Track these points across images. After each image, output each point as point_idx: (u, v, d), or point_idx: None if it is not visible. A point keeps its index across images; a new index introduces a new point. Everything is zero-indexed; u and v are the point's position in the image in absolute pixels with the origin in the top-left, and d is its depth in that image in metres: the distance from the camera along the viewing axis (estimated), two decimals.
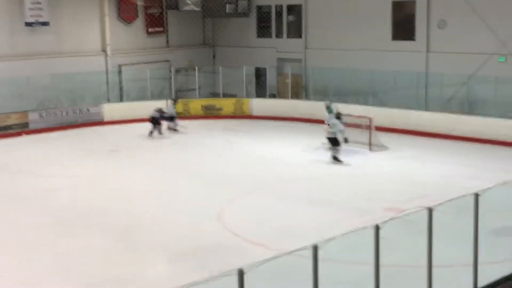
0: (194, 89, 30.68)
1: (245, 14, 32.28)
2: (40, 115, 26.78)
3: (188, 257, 12.88)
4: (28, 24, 27.65)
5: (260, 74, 31.13)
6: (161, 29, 32.18)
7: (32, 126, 26.46)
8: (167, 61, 31.89)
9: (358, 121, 22.48)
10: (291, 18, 31.19)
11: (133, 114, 28.37)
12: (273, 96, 30.44)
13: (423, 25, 26.09)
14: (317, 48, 29.75)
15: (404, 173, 19.37)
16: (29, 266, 12.50)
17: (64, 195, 17.44)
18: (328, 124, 21.03)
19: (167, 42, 32.60)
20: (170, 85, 30.52)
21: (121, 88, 30.15)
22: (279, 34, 31.58)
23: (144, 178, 19.16)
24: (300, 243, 7.96)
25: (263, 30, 32.11)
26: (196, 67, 30.63)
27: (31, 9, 27.58)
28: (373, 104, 25.68)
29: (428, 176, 18.86)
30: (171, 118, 26.22)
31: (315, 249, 7.69)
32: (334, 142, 20.73)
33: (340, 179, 18.94)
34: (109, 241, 13.85)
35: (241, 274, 7.05)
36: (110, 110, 28.49)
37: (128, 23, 31.04)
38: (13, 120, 26.09)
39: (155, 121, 25.42)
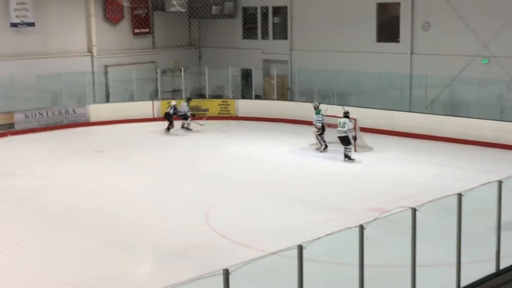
0: (180, 90, 30.70)
1: (231, 15, 32.35)
2: (26, 116, 26.70)
3: (174, 258, 12.93)
4: (14, 25, 27.56)
5: (246, 75, 31.20)
6: (147, 30, 32.17)
7: (17, 127, 26.37)
8: (153, 62, 31.89)
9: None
10: (276, 19, 31.29)
11: (119, 115, 28.39)
12: (258, 97, 30.53)
13: (407, 27, 26.29)
14: (303, 50, 29.88)
15: (388, 174, 19.52)
16: (16, 267, 12.48)
17: (51, 195, 17.40)
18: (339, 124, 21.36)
19: (153, 43, 32.60)
20: (156, 86, 30.52)
21: (107, 89, 30.11)
22: (265, 36, 31.67)
23: (130, 179, 19.15)
24: (285, 244, 8.04)
25: (249, 31, 32.19)
26: (182, 68, 30.66)
27: (16, 9, 27.49)
28: (358, 105, 25.82)
29: (412, 177, 19.02)
30: (184, 117, 26.54)
31: (300, 249, 7.77)
32: (346, 141, 21.05)
33: (325, 179, 19.06)
34: (95, 241, 13.86)
35: (226, 274, 7.12)
36: (96, 111, 28.44)
37: (114, 24, 31.01)
38: None
39: (169, 117, 26.03)
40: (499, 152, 21.82)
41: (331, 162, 21.10)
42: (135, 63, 30.98)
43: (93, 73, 29.85)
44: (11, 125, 26.29)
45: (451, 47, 25.09)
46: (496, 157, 21.15)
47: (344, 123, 21.10)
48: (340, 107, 23.82)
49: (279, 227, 14.62)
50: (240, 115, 29.13)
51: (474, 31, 24.49)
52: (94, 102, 29.18)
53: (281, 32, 31.02)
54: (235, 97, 29.95)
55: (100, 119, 28.16)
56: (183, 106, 26.76)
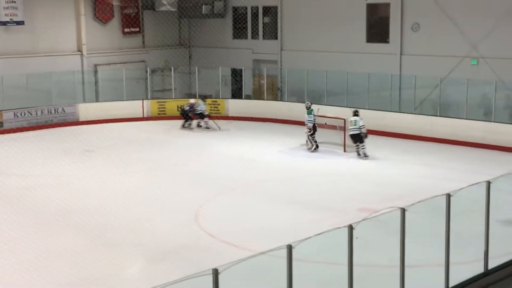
0: (170, 90, 30.67)
1: (221, 15, 32.34)
2: (15, 115, 26.60)
3: (164, 257, 12.93)
4: (3, 23, 27.47)
5: (236, 75, 31.20)
6: (137, 29, 32.12)
7: (6, 126, 26.26)
8: (143, 61, 31.84)
9: (332, 122, 22.69)
10: (267, 19, 31.30)
11: (108, 114, 28.33)
12: (248, 97, 30.54)
13: (397, 28, 26.38)
14: (293, 50, 29.92)
15: (377, 174, 19.58)
16: (5, 266, 12.44)
17: (40, 195, 17.35)
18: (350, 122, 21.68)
19: (143, 42, 32.55)
20: (146, 85, 30.47)
21: (96, 88, 30.04)
22: (255, 36, 31.68)
23: (120, 178, 19.11)
24: (275, 243, 8.06)
25: (239, 31, 32.20)
26: (172, 68, 30.63)
27: (6, 8, 27.40)
28: (348, 106, 25.87)
29: (401, 177, 19.09)
30: (200, 116, 26.74)
31: (289, 249, 7.79)
32: (359, 138, 21.38)
33: (315, 179, 19.09)
34: (85, 240, 13.83)
35: (216, 274, 7.13)
36: (86, 110, 28.37)
37: (104, 23, 30.95)
38: None
39: (185, 114, 26.60)
40: (487, 153, 21.92)
41: (321, 162, 21.15)
42: (125, 62, 30.93)
43: (82, 72, 29.78)
44: (0, 124, 26.19)
45: (440, 48, 25.20)
46: (484, 158, 21.25)
47: (356, 121, 21.46)
48: (332, 107, 23.91)
49: (268, 227, 14.63)
50: (230, 114, 29.12)
51: (463, 32, 24.60)
52: (84, 101, 29.10)
53: (271, 32, 31.04)
54: (225, 97, 29.94)
55: (90, 118, 28.09)
56: (200, 105, 26.94)
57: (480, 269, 10.46)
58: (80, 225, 14.78)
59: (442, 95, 24.74)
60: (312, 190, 17.87)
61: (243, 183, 18.61)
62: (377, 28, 27.52)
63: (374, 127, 24.33)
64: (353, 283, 8.61)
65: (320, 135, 22.47)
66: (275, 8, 30.57)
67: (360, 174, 19.63)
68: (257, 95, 30.51)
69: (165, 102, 29.55)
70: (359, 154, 21.45)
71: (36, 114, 27.17)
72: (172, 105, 29.39)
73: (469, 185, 10.41)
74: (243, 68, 30.69)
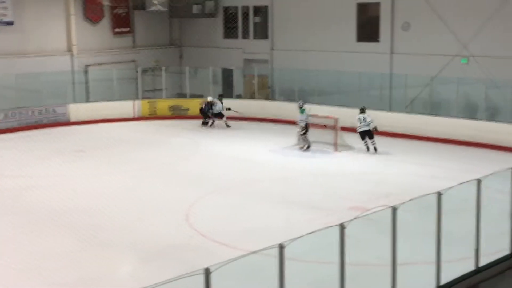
0: (160, 90, 30.63)
1: (212, 15, 32.31)
2: (5, 115, 26.48)
3: (156, 257, 12.91)
4: None
5: (226, 74, 31.19)
6: (127, 29, 32.06)
7: None
8: (134, 61, 31.78)
9: (323, 121, 22.71)
10: (257, 19, 31.31)
11: (99, 114, 28.27)
12: (239, 96, 30.53)
13: (387, 27, 26.45)
14: (283, 49, 29.94)
15: (369, 173, 19.63)
16: None
17: (31, 195, 17.29)
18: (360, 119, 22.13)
19: (134, 42, 32.50)
20: (137, 85, 30.41)
21: (87, 88, 29.96)
22: (245, 35, 31.68)
23: (111, 179, 19.09)
24: (267, 243, 8.06)
25: (229, 31, 32.19)
26: (163, 68, 30.58)
27: None
28: (339, 105, 25.92)
29: (392, 176, 19.14)
30: (220, 115, 26.98)
31: (281, 248, 7.80)
32: (369, 134, 21.86)
33: (306, 179, 19.11)
34: (76, 241, 13.79)
35: (207, 273, 7.13)
36: (76, 110, 28.29)
37: (94, 23, 30.87)
38: None
39: (203, 112, 26.93)
40: (478, 151, 22.01)
41: (313, 162, 21.18)
42: (116, 62, 30.86)
43: (73, 72, 29.68)
44: None
45: (431, 47, 25.28)
46: (475, 156, 21.33)
47: (364, 118, 21.91)
48: (323, 106, 23.95)
49: (260, 226, 14.64)
50: None
51: (453, 31, 24.69)
52: (74, 101, 29.02)
53: (262, 31, 31.05)
54: (215, 97, 29.85)
55: (81, 119, 28.02)
56: (218, 105, 27.04)
57: (471, 267, 10.51)
58: (71, 226, 14.74)
59: (432, 94, 24.82)
60: (303, 190, 17.89)
61: (234, 182, 18.61)
62: (368, 27, 27.58)
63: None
64: (344, 282, 8.62)
65: (312, 134, 22.50)
66: (266, 8, 30.58)
67: (351, 173, 19.66)
68: (248, 94, 30.51)
69: (156, 102, 29.51)
70: (368, 150, 21.91)
71: (27, 115, 27.07)
72: (163, 105, 29.36)
73: (460, 184, 10.46)
74: (233, 68, 30.66)
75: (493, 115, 23.15)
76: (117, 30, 31.65)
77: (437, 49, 25.11)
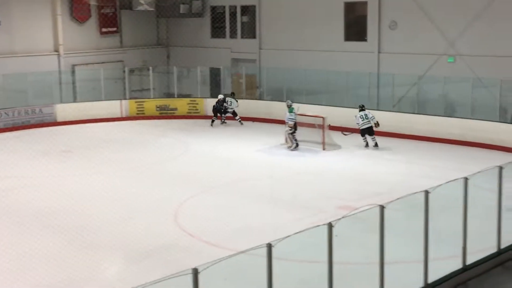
0: (148, 89, 30.55)
1: (199, 14, 32.28)
2: None
3: (143, 258, 12.87)
4: None
5: (214, 74, 31.16)
6: (114, 29, 31.95)
7: None
8: (121, 61, 31.68)
9: (311, 120, 22.74)
10: (245, 18, 31.30)
11: (86, 114, 28.14)
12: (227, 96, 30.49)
13: (375, 26, 26.51)
14: (271, 49, 29.95)
15: (357, 172, 19.67)
16: None
17: (17, 196, 17.20)
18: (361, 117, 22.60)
19: (121, 42, 32.40)
20: (124, 85, 30.32)
21: (74, 88, 29.84)
22: (233, 35, 31.66)
23: (98, 179, 19.00)
24: (255, 242, 8.06)
25: (217, 30, 32.16)
26: (150, 67, 30.52)
27: None
28: (326, 104, 25.98)
29: (380, 174, 19.19)
30: (234, 113, 27.18)
31: (269, 248, 7.80)
32: (371, 131, 22.37)
33: (294, 178, 19.12)
34: (63, 242, 13.73)
35: (195, 273, 7.12)
36: (63, 110, 28.16)
37: (81, 22, 30.75)
38: None
39: (214, 110, 27.09)
40: (465, 150, 22.12)
41: (301, 161, 21.19)
42: (103, 62, 30.75)
43: (59, 73, 29.54)
44: None
45: (418, 46, 25.37)
46: (462, 155, 21.42)
47: (366, 115, 22.38)
48: (311, 105, 24.00)
49: (248, 226, 14.64)
50: (209, 114, 29.04)
51: (440, 30, 24.79)
52: (61, 101, 28.88)
53: (250, 31, 31.04)
54: (203, 96, 29.88)
55: (68, 119, 27.89)
56: (233, 103, 27.29)
57: (458, 265, 10.56)
58: (58, 226, 14.66)
59: (419, 93, 24.92)
60: (291, 189, 17.89)
61: (222, 182, 18.59)
62: (355, 27, 27.64)
63: (353, 125, 24.44)
64: (333, 280, 8.63)
65: (299, 133, 22.52)
66: (253, 7, 30.57)
67: (339, 172, 19.70)
68: (236, 94, 30.49)
69: (143, 102, 29.44)
70: (367, 145, 22.42)
71: (13, 115, 26.91)
72: (150, 105, 29.28)
73: (447, 182, 10.49)
74: (221, 67, 30.64)
75: (475, 113, 23.25)
76: (104, 30, 31.55)
77: (424, 48, 25.21)
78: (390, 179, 18.46)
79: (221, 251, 12.28)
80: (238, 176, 19.27)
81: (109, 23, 31.65)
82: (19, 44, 28.66)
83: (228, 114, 27.30)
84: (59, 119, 27.92)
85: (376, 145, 22.43)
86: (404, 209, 11.14)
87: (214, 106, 27.35)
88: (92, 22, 31.18)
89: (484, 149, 21.90)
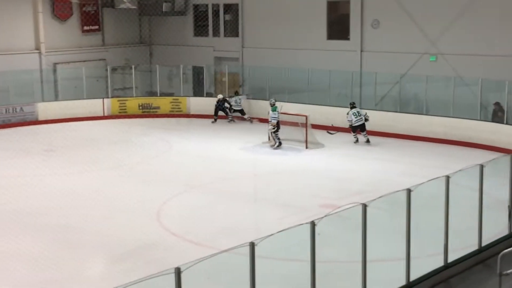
0: (131, 88, 30.43)
1: (182, 12, 32.18)
2: None
3: (126, 257, 12.83)
4: None
5: (197, 72, 31.10)
6: (96, 27, 31.76)
7: None
8: (103, 59, 31.51)
9: (294, 119, 22.78)
10: (228, 17, 31.26)
11: (68, 113, 27.97)
12: (210, 94, 30.47)
13: (357, 25, 26.58)
14: (254, 47, 29.93)
15: (339, 170, 19.72)
16: None
17: None
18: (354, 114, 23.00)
19: (103, 40, 32.19)
20: (107, 83, 30.18)
21: (56, 87, 29.64)
22: (216, 33, 31.60)
23: (80, 178, 18.93)
24: (238, 241, 8.06)
25: (200, 29, 32.09)
26: (133, 66, 30.38)
27: None
28: (309, 102, 26.03)
29: (363, 173, 19.26)
30: (242, 112, 27.33)
31: (252, 246, 7.80)
32: (363, 127, 22.83)
33: (277, 176, 19.14)
34: (45, 242, 13.64)
35: (178, 272, 7.10)
36: (45, 109, 27.97)
37: (63, 20, 30.53)
38: None
39: (221, 109, 27.33)
40: (447, 148, 22.25)
41: (284, 159, 21.22)
42: (85, 61, 30.55)
43: (41, 71, 29.32)
44: None
45: (400, 45, 25.47)
46: (444, 153, 21.55)
47: (358, 112, 22.82)
48: (294, 104, 24.03)
49: (231, 224, 14.63)
50: (191, 112, 29.02)
51: (422, 29, 24.91)
52: (43, 100, 28.69)
53: (233, 29, 31.01)
54: (186, 95, 29.81)
55: (49, 118, 27.70)
56: (242, 100, 27.50)
57: (440, 263, 10.61)
58: (40, 226, 14.58)
59: (402, 91, 25.03)
60: (274, 187, 17.91)
61: (205, 181, 18.56)
62: (338, 25, 27.70)
63: (336, 124, 24.53)
64: (315, 279, 8.65)
65: (282, 132, 22.54)
66: (236, 5, 30.54)
67: (322, 171, 19.74)
68: (218, 92, 30.45)
69: (126, 100, 29.31)
70: (357, 141, 22.83)
71: None
72: (133, 104, 29.16)
73: (429, 180, 10.54)
74: (204, 66, 30.59)
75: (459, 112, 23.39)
76: (86, 28, 31.35)
77: (406, 47, 25.31)
78: (372, 178, 18.53)
79: (204, 250, 12.27)
80: (221, 175, 19.25)
81: (91, 21, 31.46)
82: None
83: (236, 113, 27.48)
84: (41, 118, 27.73)
85: (368, 141, 22.73)
86: (387, 207, 11.18)
87: (215, 105, 27.43)
88: (74, 20, 30.97)
89: (466, 147, 22.06)
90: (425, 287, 10.17)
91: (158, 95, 30.03)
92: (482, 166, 11.21)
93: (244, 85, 29.87)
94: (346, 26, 27.12)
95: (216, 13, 31.50)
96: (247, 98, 28.35)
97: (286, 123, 22.77)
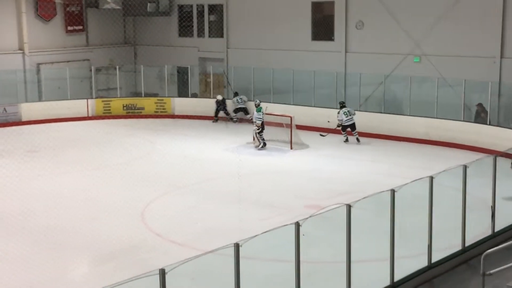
0: (115, 89, 30.32)
1: (167, 13, 32.12)
2: None
3: (110, 258, 12.78)
4: None
5: (182, 73, 31.06)
6: (80, 27, 31.63)
7: None
8: (87, 60, 31.38)
9: (279, 119, 22.80)
10: (212, 17, 31.24)
11: (52, 113, 27.80)
12: (195, 95, 30.44)
13: (342, 26, 26.66)
14: (239, 48, 29.94)
15: (324, 171, 19.76)
16: None
17: None
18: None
19: (87, 40, 32.07)
20: (91, 84, 30.05)
21: (39, 87, 29.46)
22: (200, 34, 31.58)
23: (64, 179, 18.82)
24: (222, 242, 8.05)
25: (184, 29, 32.05)
26: (117, 66, 30.28)
27: None
28: (294, 103, 26.07)
29: (347, 174, 19.31)
30: (245, 112, 27.22)
31: (237, 247, 7.80)
32: (353, 126, 23.16)
33: (261, 177, 19.15)
34: (28, 243, 13.54)
35: (163, 274, 7.09)
36: (28, 109, 27.80)
37: (46, 21, 30.38)
38: None
39: (222, 109, 27.66)
40: (430, 148, 22.37)
41: (268, 160, 21.23)
42: (69, 61, 30.43)
43: (24, 71, 29.16)
44: None
45: (384, 46, 25.58)
46: (428, 153, 21.66)
47: (348, 111, 23.05)
48: (279, 105, 24.04)
49: (216, 225, 14.62)
50: (176, 113, 28.96)
51: (406, 30, 25.03)
52: (26, 100, 28.52)
53: (217, 30, 30.99)
54: (171, 95, 29.75)
55: (33, 118, 27.55)
56: (242, 100, 27.41)
57: (424, 263, 10.67)
58: (23, 228, 14.46)
59: (386, 92, 25.13)
60: (259, 188, 17.92)
61: (189, 182, 18.52)
62: (322, 26, 27.76)
63: (320, 125, 24.60)
64: (300, 279, 8.67)
65: (267, 133, 22.56)
66: (221, 6, 30.53)
67: (306, 171, 19.77)
68: (203, 93, 30.44)
69: (110, 101, 29.20)
70: (347, 140, 23.18)
71: None
72: (117, 104, 29.05)
73: (413, 181, 10.60)
74: (189, 66, 30.55)
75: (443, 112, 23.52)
76: (70, 28, 31.21)
77: (390, 48, 25.43)
78: (357, 178, 18.58)
79: (188, 251, 12.25)
80: (205, 176, 19.23)
81: (75, 21, 31.32)
82: None
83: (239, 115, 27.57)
84: (24, 119, 27.56)
85: (358, 140, 22.96)
86: (371, 208, 11.23)
87: (215, 106, 27.62)
88: (58, 20, 30.83)
89: (449, 148, 22.18)
90: (409, 287, 10.22)
91: (143, 95, 29.95)
92: (465, 167, 11.29)
93: (229, 86, 29.86)
94: (331, 27, 27.20)
95: (201, 14, 31.49)
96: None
97: (271, 124, 22.78)
